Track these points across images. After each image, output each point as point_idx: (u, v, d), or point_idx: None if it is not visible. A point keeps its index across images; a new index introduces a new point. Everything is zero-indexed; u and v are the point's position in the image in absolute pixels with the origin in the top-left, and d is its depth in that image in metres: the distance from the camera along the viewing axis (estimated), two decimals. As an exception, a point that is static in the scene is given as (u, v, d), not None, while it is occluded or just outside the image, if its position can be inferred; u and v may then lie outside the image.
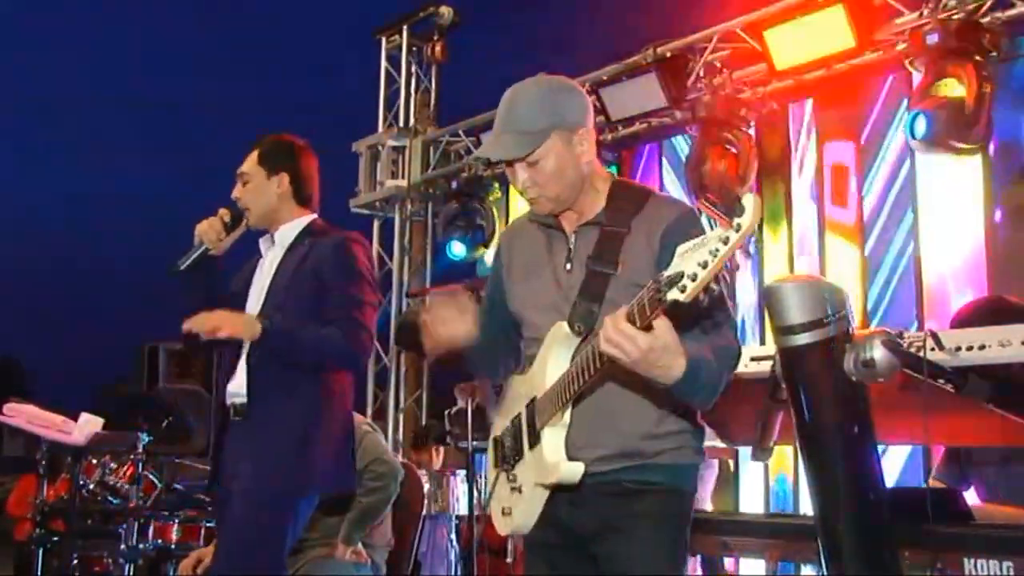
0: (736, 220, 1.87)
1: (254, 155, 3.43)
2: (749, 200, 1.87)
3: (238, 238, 3.43)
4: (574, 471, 2.32)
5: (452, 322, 2.52)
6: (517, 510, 2.47)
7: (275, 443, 3.16)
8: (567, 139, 2.41)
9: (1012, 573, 2.38)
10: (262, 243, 3.46)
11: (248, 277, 3.44)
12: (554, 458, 2.34)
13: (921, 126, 4.97)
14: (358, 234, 3.41)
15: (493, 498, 2.61)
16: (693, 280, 1.90)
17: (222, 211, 3.37)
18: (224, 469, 3.28)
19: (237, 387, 3.27)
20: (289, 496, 3.19)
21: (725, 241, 1.88)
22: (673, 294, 1.93)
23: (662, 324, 2.05)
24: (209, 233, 3.32)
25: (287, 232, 3.41)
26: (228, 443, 3.30)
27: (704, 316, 2.23)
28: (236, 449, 3.24)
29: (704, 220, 2.05)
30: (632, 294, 2.09)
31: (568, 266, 2.46)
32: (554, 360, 2.37)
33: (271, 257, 3.42)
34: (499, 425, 2.59)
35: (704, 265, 1.89)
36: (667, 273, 1.95)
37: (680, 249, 1.95)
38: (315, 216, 3.47)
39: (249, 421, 3.23)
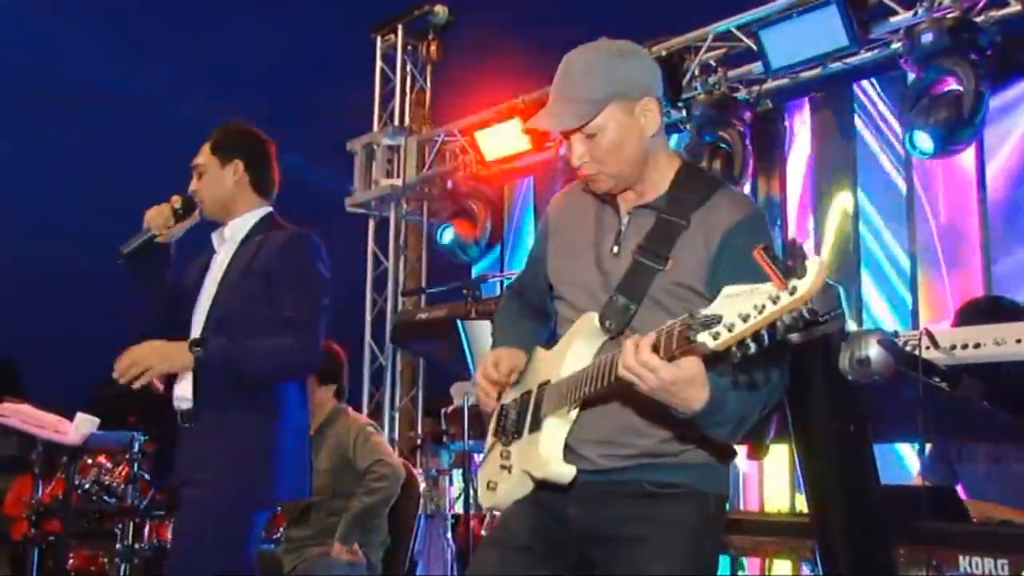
0: (793, 282, 1.63)
1: (207, 145, 3.30)
2: (814, 264, 1.62)
3: (190, 227, 3.32)
4: (563, 473, 2.18)
5: None
6: (501, 488, 2.36)
7: (230, 454, 3.00)
8: (629, 109, 2.17)
9: (1007, 571, 2.39)
10: (214, 237, 3.32)
11: (200, 273, 3.29)
12: (547, 454, 2.20)
13: (927, 142, 4.98)
14: (311, 231, 3.23)
15: (483, 467, 2.47)
16: (729, 330, 1.70)
17: (173, 198, 3.27)
18: (178, 472, 3.14)
19: (183, 391, 3.12)
20: (247, 509, 3.05)
21: (775, 300, 1.65)
22: (703, 337, 1.73)
23: (692, 359, 1.87)
24: (156, 219, 3.23)
25: (239, 226, 3.27)
26: (179, 448, 3.14)
27: (739, 370, 1.97)
28: (187, 456, 3.09)
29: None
30: (676, 296, 1.94)
31: (615, 249, 2.24)
32: (575, 351, 2.21)
33: (223, 253, 3.27)
34: (510, 394, 2.43)
35: (745, 318, 1.68)
36: (704, 312, 1.75)
37: (727, 290, 1.74)
38: (270, 209, 3.32)
39: (199, 427, 3.08)
